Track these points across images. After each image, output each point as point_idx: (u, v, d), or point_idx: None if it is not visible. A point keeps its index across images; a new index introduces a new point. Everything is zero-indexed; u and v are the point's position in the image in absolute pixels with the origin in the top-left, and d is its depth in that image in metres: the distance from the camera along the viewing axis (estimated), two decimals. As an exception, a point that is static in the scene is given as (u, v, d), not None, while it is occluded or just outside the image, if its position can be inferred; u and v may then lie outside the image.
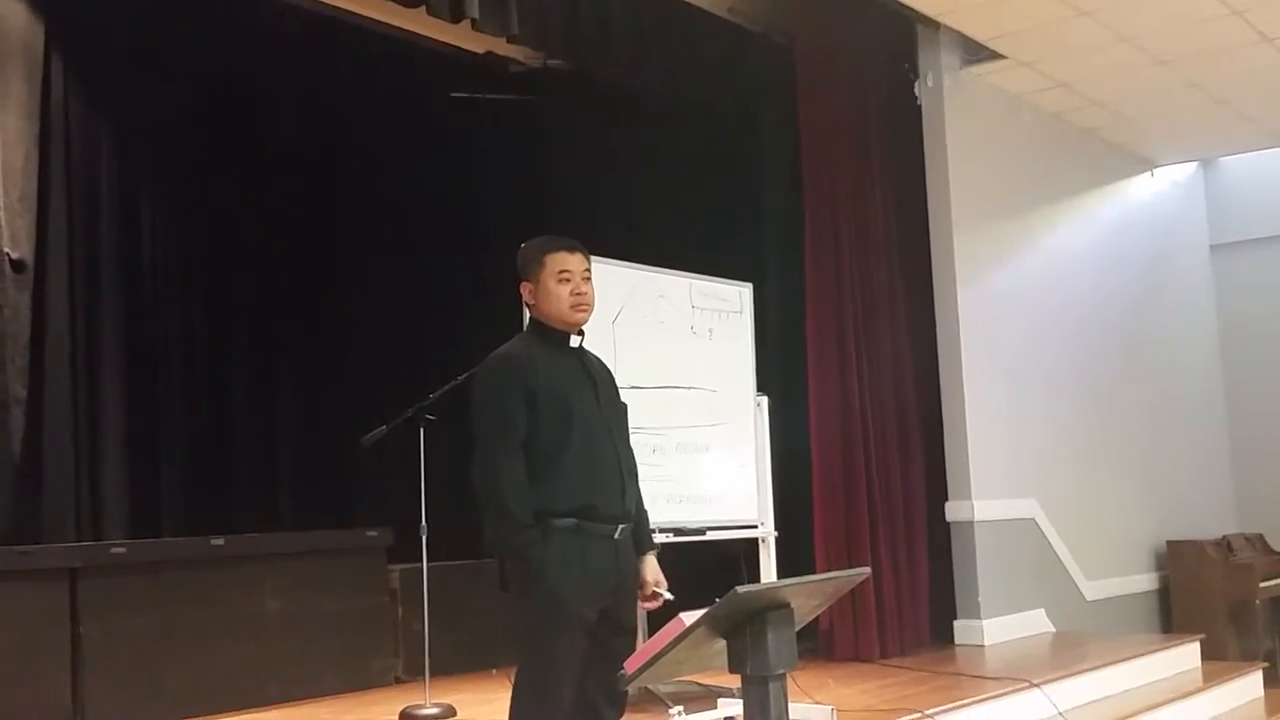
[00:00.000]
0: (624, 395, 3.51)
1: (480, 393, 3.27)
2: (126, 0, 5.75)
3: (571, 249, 3.34)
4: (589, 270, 3.35)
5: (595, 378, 3.35)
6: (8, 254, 5.36)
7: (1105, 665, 5.92)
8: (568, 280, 3.29)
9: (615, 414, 3.38)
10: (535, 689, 3.14)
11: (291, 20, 6.16)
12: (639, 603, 3.35)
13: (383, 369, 6.74)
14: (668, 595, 3.35)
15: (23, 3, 5.59)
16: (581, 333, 3.35)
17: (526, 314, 4.16)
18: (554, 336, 3.33)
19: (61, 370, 5.57)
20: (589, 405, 3.26)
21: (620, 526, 3.24)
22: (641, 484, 3.41)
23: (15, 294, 5.39)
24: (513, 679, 3.25)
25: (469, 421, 3.25)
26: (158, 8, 5.84)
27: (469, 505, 7.10)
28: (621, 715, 3.32)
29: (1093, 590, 7.50)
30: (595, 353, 3.47)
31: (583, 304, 3.30)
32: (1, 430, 5.28)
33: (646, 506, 3.44)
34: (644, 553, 3.36)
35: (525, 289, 3.35)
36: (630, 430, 3.50)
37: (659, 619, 2.81)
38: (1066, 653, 6.39)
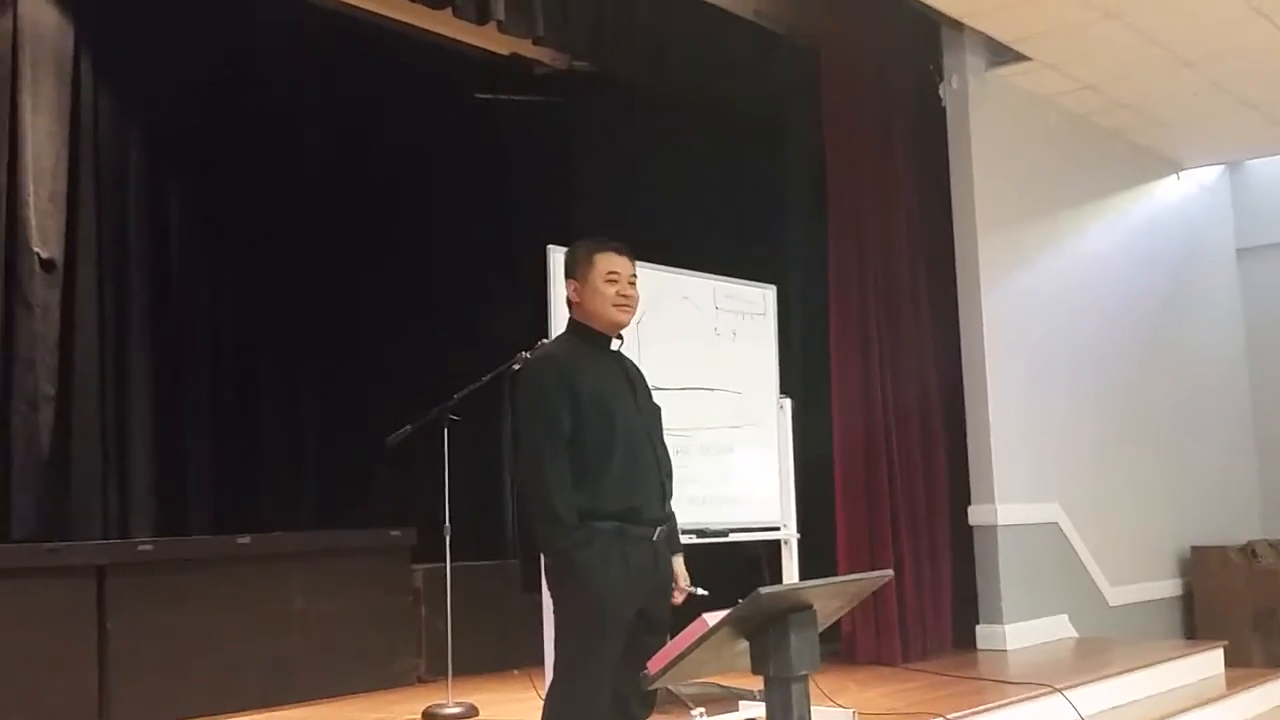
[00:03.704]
0: (648, 397, 3.51)
1: (525, 393, 3.29)
2: (154, 2, 5.79)
3: (620, 251, 3.38)
4: (635, 275, 3.39)
5: (633, 381, 3.38)
6: (38, 253, 5.42)
7: (1128, 671, 5.89)
8: (614, 281, 3.32)
9: (652, 417, 3.41)
10: (573, 687, 3.18)
11: (318, 22, 6.20)
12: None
13: (408, 369, 6.77)
14: (702, 591, 3.38)
15: (53, 5, 5.64)
16: (620, 336, 3.37)
17: (555, 315, 4.18)
18: (595, 339, 3.35)
19: (90, 369, 5.62)
20: (629, 408, 3.29)
21: (658, 529, 3.27)
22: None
23: (45, 293, 5.44)
24: (543, 679, 3.27)
25: (514, 421, 3.27)
26: (185, 9, 5.88)
27: (492, 505, 7.16)
28: (651, 713, 3.34)
29: (1116, 596, 7.47)
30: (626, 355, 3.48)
31: (627, 305, 3.33)
32: (30, 428, 5.32)
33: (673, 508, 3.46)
34: (673, 554, 3.38)
35: (570, 286, 3.37)
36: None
37: (685, 618, 2.82)
38: (1089, 658, 6.36)
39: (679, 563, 3.42)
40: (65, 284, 5.53)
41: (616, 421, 3.22)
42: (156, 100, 6.07)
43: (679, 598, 3.39)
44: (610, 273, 3.32)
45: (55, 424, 5.40)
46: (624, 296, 3.32)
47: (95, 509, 5.57)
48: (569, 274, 3.38)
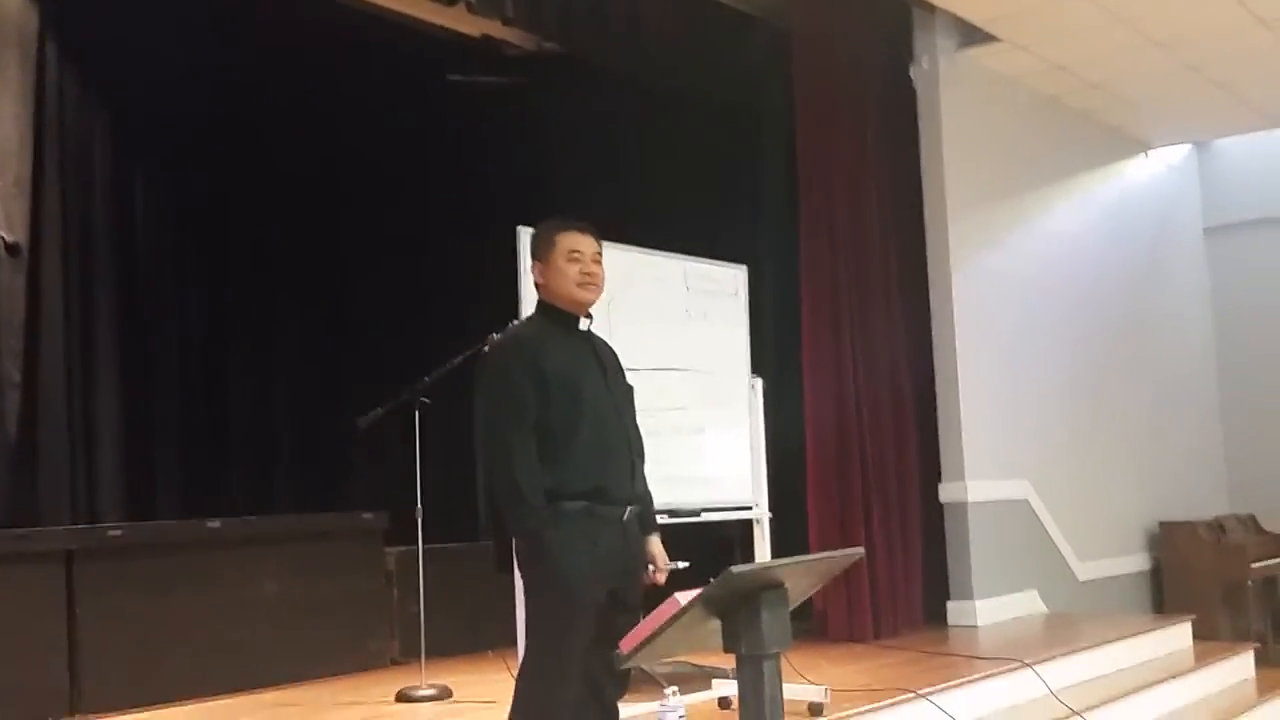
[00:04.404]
0: (620, 377, 3.51)
1: (490, 375, 3.30)
2: (120, -16, 5.73)
3: (583, 230, 3.37)
4: (600, 253, 3.38)
5: (603, 360, 3.38)
6: (2, 237, 5.36)
7: (1097, 645, 5.95)
8: (577, 260, 3.31)
9: (623, 396, 3.41)
10: (544, 667, 3.18)
11: (287, 5, 6.14)
12: (645, 580, 3.38)
13: (379, 351, 6.75)
14: (682, 564, 3.40)
15: (17, -13, 5.58)
16: (590, 315, 3.37)
17: (525, 297, 4.17)
18: (563, 319, 3.35)
19: (56, 353, 5.57)
20: (598, 388, 3.29)
21: (629, 508, 3.28)
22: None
23: (10, 277, 5.38)
24: (517, 661, 3.28)
25: (479, 403, 3.27)
26: (151, -9, 5.83)
27: (464, 488, 7.16)
28: (624, 693, 3.35)
29: (1085, 571, 7.54)
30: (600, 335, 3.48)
31: (591, 283, 3.33)
32: (-3, 414, 5.28)
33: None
34: (648, 534, 3.39)
35: (535, 268, 3.38)
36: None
37: (658, 597, 2.83)
38: (1059, 633, 6.42)
39: (655, 542, 3.42)
40: (30, 268, 5.47)
41: (584, 400, 3.22)
42: (122, 83, 6.01)
43: (661, 577, 3.39)
44: (573, 251, 3.32)
45: (21, 409, 5.35)
46: (587, 274, 3.32)
47: (63, 494, 5.53)
48: (534, 255, 3.39)
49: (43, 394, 5.47)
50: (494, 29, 6.54)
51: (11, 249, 5.39)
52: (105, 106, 5.98)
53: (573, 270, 3.31)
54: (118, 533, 5.14)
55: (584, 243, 3.34)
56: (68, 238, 5.72)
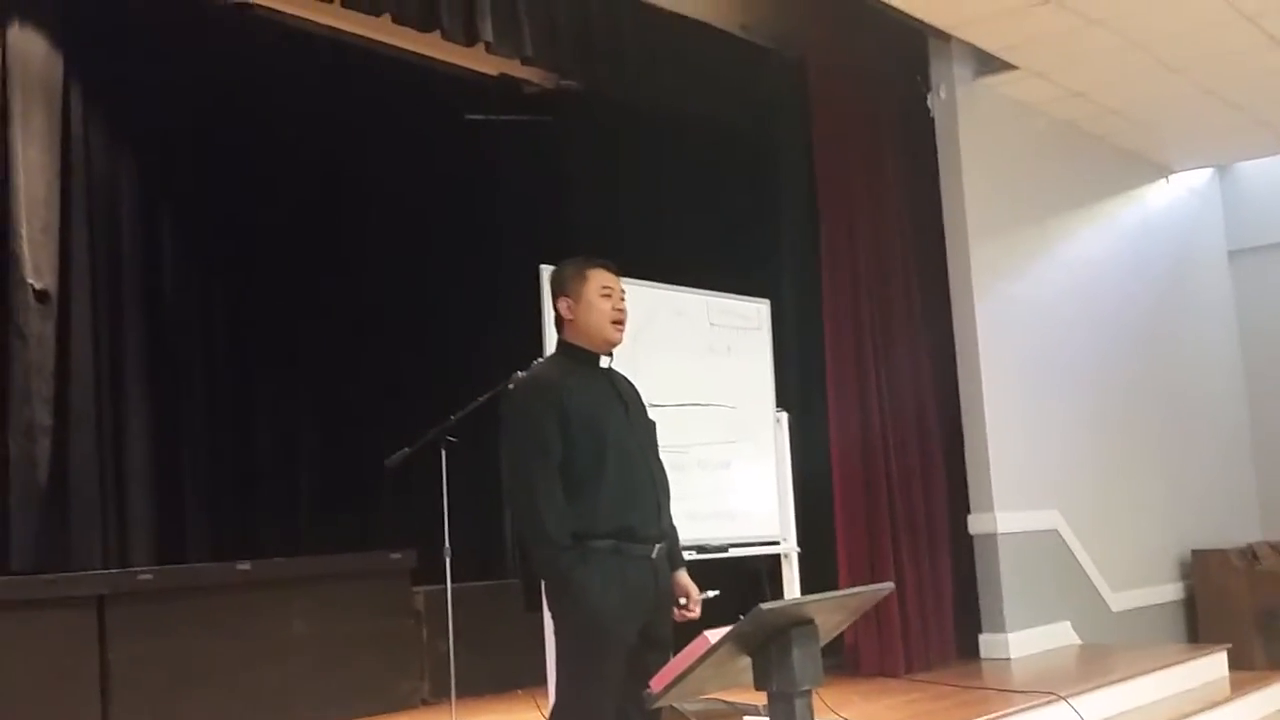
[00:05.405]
0: (645, 413, 3.51)
1: (513, 416, 3.28)
2: (143, 31, 5.80)
3: (609, 268, 3.38)
4: (624, 292, 3.38)
5: (625, 397, 3.37)
6: (31, 285, 5.41)
7: (1132, 677, 5.88)
8: (609, 296, 3.32)
9: (646, 433, 3.40)
10: (575, 706, 3.17)
11: (308, 47, 6.22)
12: (676, 616, 3.37)
13: (404, 391, 6.77)
14: (711, 594, 3.38)
15: (42, 36, 5.65)
16: (611, 354, 3.37)
17: (549, 334, 4.19)
18: (585, 358, 3.35)
19: (86, 399, 5.61)
20: (621, 426, 3.28)
21: (657, 546, 3.27)
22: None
23: (40, 324, 5.43)
24: (547, 700, 3.27)
25: (501, 445, 3.26)
26: (174, 38, 5.90)
27: (492, 526, 7.15)
28: (656, 731, 3.33)
29: (1118, 601, 7.46)
30: (621, 372, 3.48)
31: (621, 321, 3.33)
32: (28, 459, 5.31)
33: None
34: (675, 569, 3.38)
35: (563, 304, 3.35)
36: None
37: (688, 634, 2.82)
38: (1093, 665, 6.35)
39: (684, 576, 3.41)
40: (60, 314, 5.53)
41: (608, 439, 3.22)
42: (147, 129, 6.08)
43: (696, 610, 3.38)
44: (604, 287, 3.33)
45: (53, 454, 5.39)
46: (619, 311, 3.33)
47: (94, 539, 5.55)
48: (561, 292, 3.37)
49: (73, 439, 5.50)
50: (512, 68, 6.61)
51: (41, 296, 5.45)
52: (131, 151, 6.04)
53: (605, 306, 3.31)
54: (148, 576, 5.16)
55: (613, 280, 3.36)
56: (96, 283, 5.77)
